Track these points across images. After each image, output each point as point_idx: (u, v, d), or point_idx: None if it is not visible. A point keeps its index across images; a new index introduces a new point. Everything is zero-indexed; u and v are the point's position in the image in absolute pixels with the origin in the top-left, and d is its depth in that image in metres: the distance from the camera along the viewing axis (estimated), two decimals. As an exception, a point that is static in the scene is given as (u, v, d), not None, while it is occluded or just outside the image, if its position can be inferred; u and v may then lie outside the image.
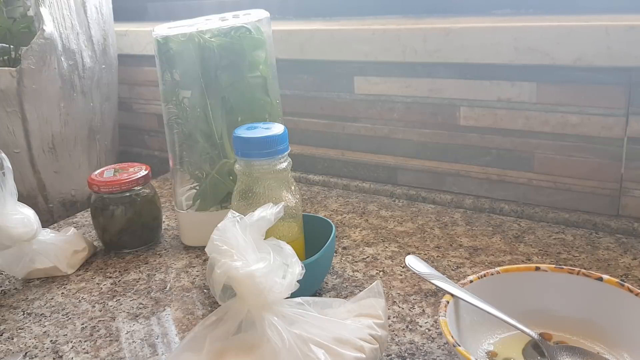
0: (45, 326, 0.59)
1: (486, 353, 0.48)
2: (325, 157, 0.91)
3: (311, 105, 0.89)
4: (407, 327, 0.54)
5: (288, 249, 0.45)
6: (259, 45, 0.69)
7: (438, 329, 0.53)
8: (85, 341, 0.56)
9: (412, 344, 0.52)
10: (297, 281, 0.44)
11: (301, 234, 0.60)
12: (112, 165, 0.75)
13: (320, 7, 0.93)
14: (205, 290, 0.63)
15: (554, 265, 0.51)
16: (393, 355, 0.50)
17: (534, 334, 0.47)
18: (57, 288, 0.66)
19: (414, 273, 0.53)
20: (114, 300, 0.63)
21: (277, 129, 0.56)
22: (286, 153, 0.56)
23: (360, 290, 0.49)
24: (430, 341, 0.52)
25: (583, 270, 0.49)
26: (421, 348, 0.51)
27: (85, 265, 0.71)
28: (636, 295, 0.46)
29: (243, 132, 0.55)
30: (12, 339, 0.57)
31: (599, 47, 0.64)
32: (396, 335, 0.53)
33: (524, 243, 0.68)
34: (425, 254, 0.67)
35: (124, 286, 0.65)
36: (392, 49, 0.76)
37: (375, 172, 0.87)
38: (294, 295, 0.44)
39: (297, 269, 0.44)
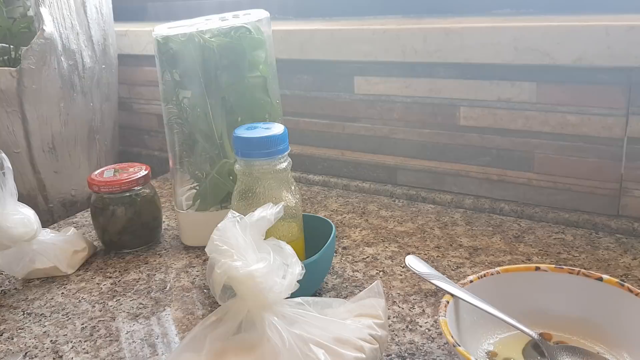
0: (45, 326, 0.59)
1: (486, 353, 0.48)
2: (325, 157, 0.91)
3: (311, 105, 0.89)
4: (407, 327, 0.54)
5: (288, 249, 0.45)
6: (259, 45, 0.69)
7: (438, 329, 0.53)
8: (85, 341, 0.56)
9: (412, 344, 0.52)
10: (297, 281, 0.44)
11: (301, 234, 0.60)
12: (112, 165, 0.75)
13: (320, 7, 0.93)
14: (205, 290, 0.63)
15: (554, 265, 0.51)
16: (393, 355, 0.50)
17: (534, 334, 0.47)
18: (57, 288, 0.66)
19: (414, 273, 0.53)
20: (114, 300, 0.63)
21: (277, 129, 0.56)
22: (286, 153, 0.56)
23: (360, 290, 0.49)
24: (430, 341, 0.52)
25: (583, 270, 0.49)
26: (421, 348, 0.51)
27: (85, 265, 0.71)
28: (636, 295, 0.46)
29: (243, 132, 0.55)
30: (12, 339, 0.57)
31: (599, 47, 0.64)
32: (396, 335, 0.53)
33: (524, 243, 0.68)
34: (425, 254, 0.67)
35: (124, 286, 0.65)
36: (392, 49, 0.76)
37: (375, 172, 0.87)
38: (294, 295, 0.44)
39: (297, 269, 0.44)
